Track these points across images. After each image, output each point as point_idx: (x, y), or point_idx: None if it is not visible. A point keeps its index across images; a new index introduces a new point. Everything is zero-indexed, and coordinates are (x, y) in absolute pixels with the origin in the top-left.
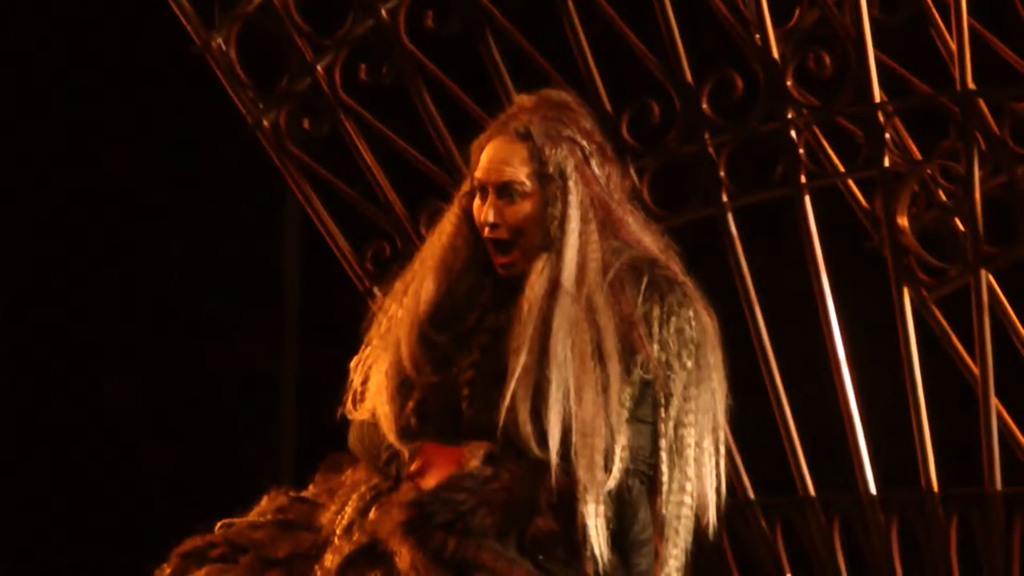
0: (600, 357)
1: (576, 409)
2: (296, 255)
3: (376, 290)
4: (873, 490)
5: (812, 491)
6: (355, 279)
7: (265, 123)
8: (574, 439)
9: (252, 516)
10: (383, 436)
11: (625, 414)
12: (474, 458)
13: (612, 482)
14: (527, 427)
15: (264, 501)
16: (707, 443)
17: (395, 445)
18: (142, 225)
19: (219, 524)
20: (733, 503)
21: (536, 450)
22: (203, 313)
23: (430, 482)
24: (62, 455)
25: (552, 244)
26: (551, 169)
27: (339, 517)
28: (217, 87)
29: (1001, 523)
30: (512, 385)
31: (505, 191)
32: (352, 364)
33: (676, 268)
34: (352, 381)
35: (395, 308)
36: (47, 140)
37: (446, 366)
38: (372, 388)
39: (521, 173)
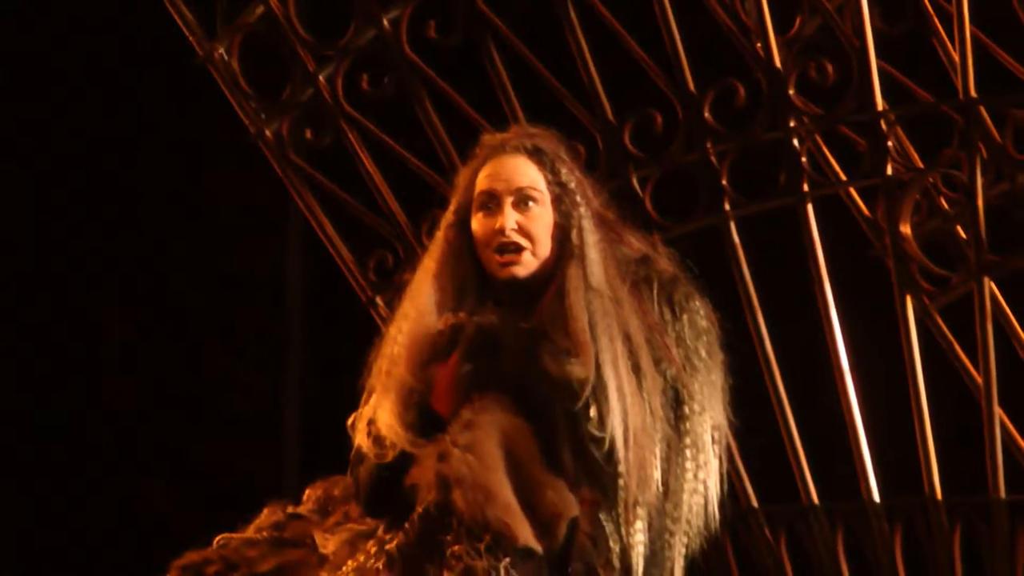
0: (635, 367)
1: (629, 416)
2: (298, 265)
3: (379, 299)
4: (877, 498)
5: (816, 499)
6: (358, 289)
7: (268, 133)
8: (630, 448)
9: (250, 531)
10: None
11: (659, 424)
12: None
13: (652, 496)
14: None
15: (263, 515)
16: (717, 434)
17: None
18: (143, 235)
19: (217, 539)
20: (737, 511)
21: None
22: (205, 322)
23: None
24: (64, 467)
25: (574, 252)
26: (563, 179)
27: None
28: (219, 97)
29: (1005, 531)
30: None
31: (522, 197)
32: (350, 422)
33: (668, 264)
34: (356, 438)
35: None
36: (45, 152)
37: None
38: (383, 424)
39: (537, 182)
